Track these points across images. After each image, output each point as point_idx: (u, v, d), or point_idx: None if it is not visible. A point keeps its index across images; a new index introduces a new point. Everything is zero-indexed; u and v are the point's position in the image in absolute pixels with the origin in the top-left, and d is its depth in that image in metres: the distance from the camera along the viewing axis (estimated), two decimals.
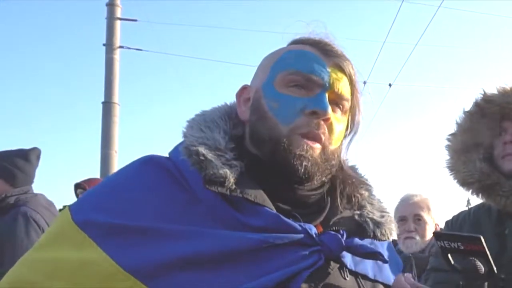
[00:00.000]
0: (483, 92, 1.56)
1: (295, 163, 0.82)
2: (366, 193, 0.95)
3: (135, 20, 8.78)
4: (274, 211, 0.80)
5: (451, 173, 1.59)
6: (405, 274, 0.93)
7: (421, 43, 9.04)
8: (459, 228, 1.64)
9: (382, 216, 0.92)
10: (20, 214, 2.41)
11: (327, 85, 0.86)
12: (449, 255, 1.00)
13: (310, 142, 0.84)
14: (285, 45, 0.95)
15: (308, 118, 0.84)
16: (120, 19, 8.51)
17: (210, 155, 0.80)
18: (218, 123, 0.89)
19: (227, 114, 0.93)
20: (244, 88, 0.94)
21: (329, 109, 0.85)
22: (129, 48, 8.65)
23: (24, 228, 2.36)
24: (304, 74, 0.86)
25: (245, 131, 0.92)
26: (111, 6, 8.47)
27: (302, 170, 0.83)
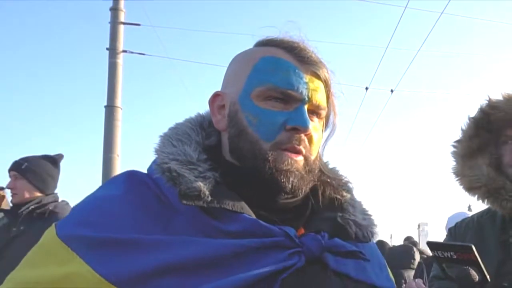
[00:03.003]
0: (488, 98, 1.57)
1: (282, 179, 0.83)
2: (348, 195, 0.95)
3: (139, 25, 8.82)
4: (253, 217, 0.81)
5: (457, 178, 1.59)
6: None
7: (423, 49, 9.08)
8: (463, 236, 1.64)
9: (364, 219, 0.93)
10: None
11: (306, 98, 0.86)
12: (443, 264, 1.01)
13: (293, 155, 0.85)
14: (255, 43, 0.93)
15: (290, 134, 0.84)
16: (124, 23, 8.55)
17: (182, 170, 0.81)
18: (190, 135, 0.89)
19: (199, 125, 0.93)
20: (216, 95, 0.93)
21: (310, 124, 0.86)
22: (132, 52, 8.68)
23: None
24: (283, 90, 0.85)
25: (221, 140, 0.92)
26: (114, 10, 8.50)
27: (290, 186, 0.84)
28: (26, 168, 2.53)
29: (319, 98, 0.88)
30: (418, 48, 8.98)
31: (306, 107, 0.86)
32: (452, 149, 1.62)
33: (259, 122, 0.85)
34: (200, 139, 0.90)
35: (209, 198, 0.79)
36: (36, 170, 2.55)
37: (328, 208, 0.93)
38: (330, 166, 0.99)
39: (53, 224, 0.83)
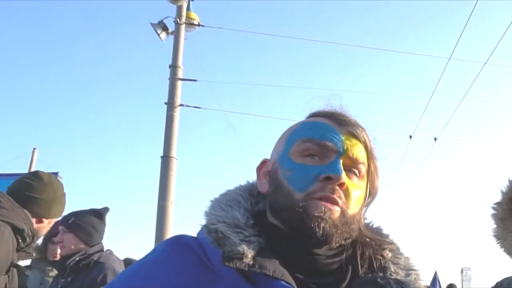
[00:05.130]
0: None
1: (312, 225, 0.83)
2: (390, 254, 0.94)
3: (195, 80, 9.35)
4: (291, 284, 0.80)
5: (497, 242, 1.56)
6: None
7: (467, 98, 9.03)
8: None
9: (408, 275, 0.92)
10: (110, 270, 2.62)
11: (341, 150, 0.88)
12: None
13: (328, 204, 0.85)
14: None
15: (323, 184, 0.86)
16: (181, 79, 9.11)
17: (228, 232, 0.83)
18: (239, 201, 0.92)
19: (249, 192, 0.96)
20: (264, 162, 0.98)
21: (343, 174, 0.86)
22: (188, 106, 9.18)
23: None
24: (318, 141, 0.88)
25: (266, 204, 0.94)
26: (173, 67, 9.11)
27: (321, 232, 0.84)
28: (73, 223, 2.75)
29: (356, 152, 0.90)
30: (462, 96, 8.94)
31: (341, 160, 0.88)
32: (492, 211, 1.58)
33: (293, 175, 0.87)
34: (249, 205, 0.92)
35: (251, 262, 0.80)
36: (82, 224, 2.75)
37: (368, 270, 0.92)
38: (375, 225, 0.99)
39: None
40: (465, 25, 7.06)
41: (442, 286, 10.35)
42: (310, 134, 0.90)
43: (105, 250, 2.84)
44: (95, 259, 2.70)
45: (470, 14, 6.70)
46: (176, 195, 8.59)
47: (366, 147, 0.93)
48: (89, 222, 2.79)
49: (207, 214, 0.90)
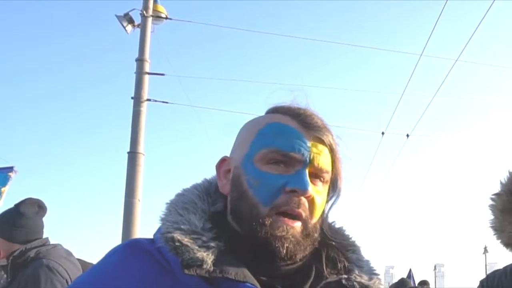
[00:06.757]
0: None
1: (276, 245, 0.83)
2: (354, 256, 0.95)
3: (163, 75, 9.22)
4: (256, 285, 0.81)
5: (495, 233, 1.56)
6: None
7: (439, 94, 9.25)
8: None
9: (371, 279, 0.93)
10: (44, 266, 2.46)
11: (308, 160, 0.87)
12: None
13: (290, 222, 0.85)
14: (264, 111, 0.96)
15: (288, 196, 0.85)
16: (148, 73, 8.94)
17: (185, 240, 0.81)
18: (196, 203, 0.89)
19: (206, 191, 0.93)
20: (223, 160, 0.95)
21: (310, 186, 0.86)
22: (156, 101, 9.03)
23: (49, 281, 2.41)
24: (284, 153, 0.86)
25: (226, 205, 0.92)
26: (140, 61, 8.93)
27: (284, 252, 0.84)
28: None
29: (322, 161, 0.89)
30: (434, 93, 9.14)
31: (307, 170, 0.87)
32: (491, 202, 1.56)
33: (259, 185, 0.86)
34: (206, 206, 0.90)
35: (212, 268, 0.79)
36: (5, 226, 2.63)
37: (333, 271, 0.92)
38: (337, 225, 0.99)
39: None
40: (437, 22, 7.19)
41: (415, 282, 10.59)
42: (277, 144, 0.87)
43: (49, 244, 2.67)
44: (31, 256, 2.55)
45: (442, 10, 6.81)
46: (143, 191, 8.47)
47: (331, 150, 0.92)
48: (6, 222, 2.66)
49: (163, 220, 0.88)
